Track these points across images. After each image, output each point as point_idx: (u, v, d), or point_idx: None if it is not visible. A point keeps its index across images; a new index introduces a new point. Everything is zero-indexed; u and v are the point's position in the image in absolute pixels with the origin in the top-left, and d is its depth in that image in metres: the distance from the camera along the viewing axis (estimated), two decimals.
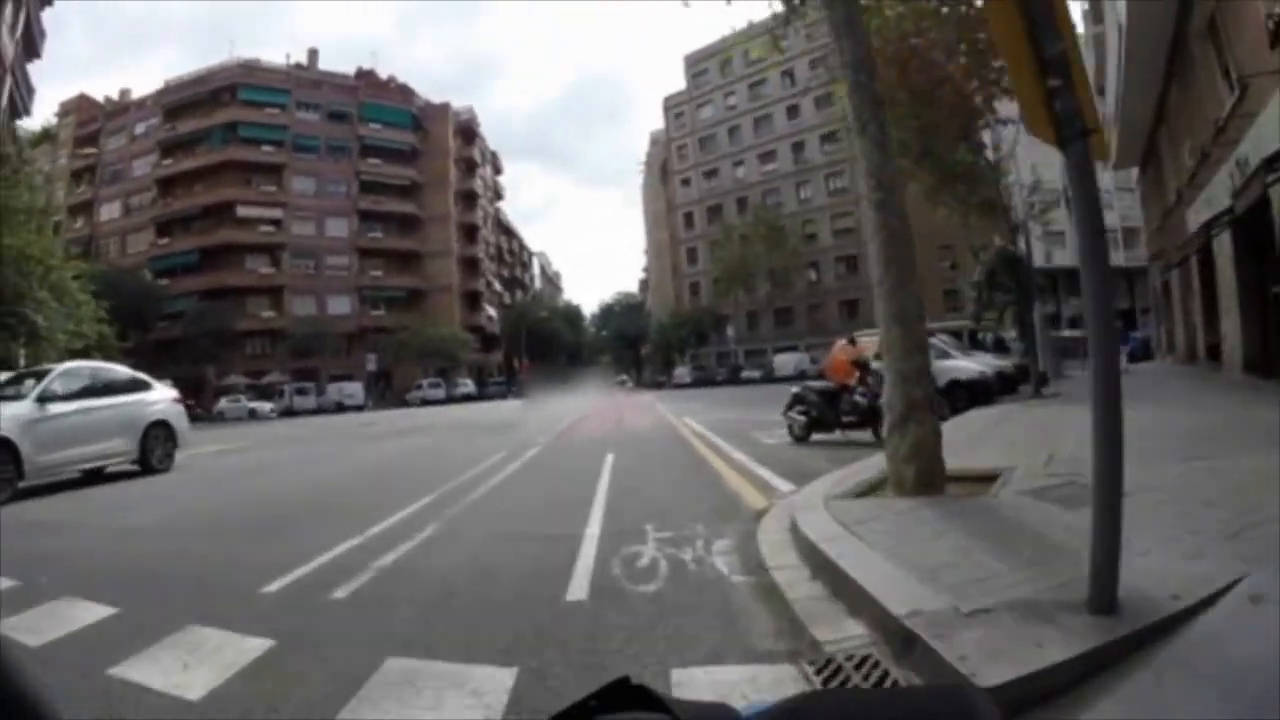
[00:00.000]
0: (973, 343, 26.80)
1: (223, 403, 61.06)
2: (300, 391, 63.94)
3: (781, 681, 3.33)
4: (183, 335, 66.59)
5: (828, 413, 13.51)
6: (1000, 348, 28.48)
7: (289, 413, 60.77)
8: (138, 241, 77.17)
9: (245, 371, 70.49)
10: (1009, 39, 3.63)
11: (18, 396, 13.00)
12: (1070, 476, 6.58)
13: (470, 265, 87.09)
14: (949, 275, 69.35)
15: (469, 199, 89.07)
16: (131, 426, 15.27)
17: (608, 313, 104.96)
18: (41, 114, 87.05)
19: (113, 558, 7.04)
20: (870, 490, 7.12)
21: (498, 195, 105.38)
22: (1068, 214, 37.53)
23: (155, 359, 67.64)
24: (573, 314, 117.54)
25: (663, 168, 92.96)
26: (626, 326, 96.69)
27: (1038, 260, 37.46)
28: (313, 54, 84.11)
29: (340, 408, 62.09)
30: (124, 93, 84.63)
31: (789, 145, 76.81)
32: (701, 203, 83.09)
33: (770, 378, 60.35)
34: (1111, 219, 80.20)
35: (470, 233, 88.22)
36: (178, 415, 17.16)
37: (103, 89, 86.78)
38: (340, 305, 76.29)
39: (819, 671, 3.41)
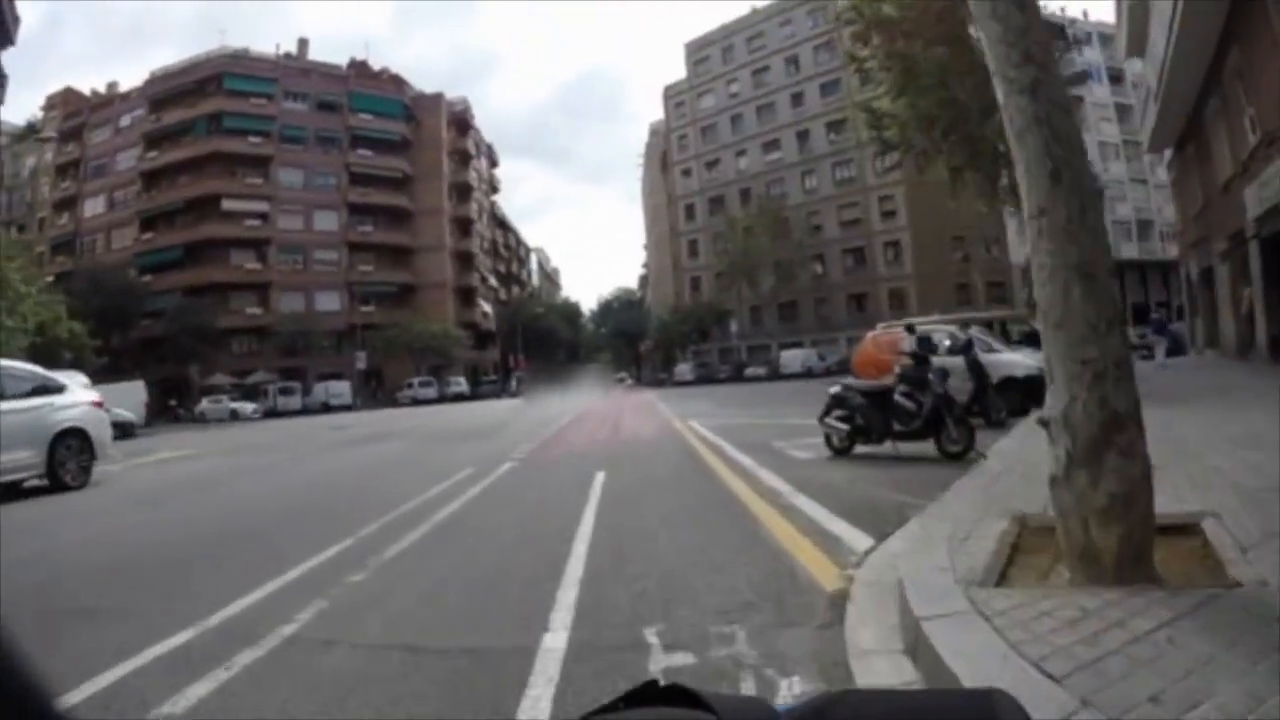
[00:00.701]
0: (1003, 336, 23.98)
1: (204, 403, 58.46)
2: (285, 391, 61.25)
3: None
4: (165, 333, 63.98)
5: (876, 419, 10.70)
6: (1033, 342, 25.63)
7: (273, 413, 58.17)
8: (122, 237, 74.92)
9: (231, 370, 67.80)
10: None
11: None
12: None
13: (464, 260, 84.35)
14: (961, 269, 66.67)
15: (463, 192, 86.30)
16: (36, 436, 12.93)
17: (606, 309, 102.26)
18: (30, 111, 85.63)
19: None
20: (1023, 563, 4.39)
21: (493, 189, 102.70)
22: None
23: (139, 358, 66.08)
24: (571, 311, 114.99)
25: (662, 159, 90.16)
26: (626, 323, 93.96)
27: None
28: (303, 43, 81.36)
29: (326, 408, 59.48)
30: (111, 86, 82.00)
31: (793, 134, 73.97)
32: (703, 194, 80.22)
33: (776, 375, 57.79)
34: (1124, 210, 77.81)
35: (464, 227, 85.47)
36: (96, 422, 14.62)
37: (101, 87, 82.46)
38: (329, 301, 73.59)
39: None
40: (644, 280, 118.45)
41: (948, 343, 15.92)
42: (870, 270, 68.74)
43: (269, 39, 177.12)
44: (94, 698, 3.58)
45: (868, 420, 10.69)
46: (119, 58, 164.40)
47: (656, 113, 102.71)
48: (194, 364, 65.19)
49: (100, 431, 14.63)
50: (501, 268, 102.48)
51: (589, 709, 0.58)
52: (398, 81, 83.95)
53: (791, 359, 58.96)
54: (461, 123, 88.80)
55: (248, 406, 57.22)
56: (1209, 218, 31.05)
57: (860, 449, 10.85)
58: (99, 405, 15.09)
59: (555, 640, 4.09)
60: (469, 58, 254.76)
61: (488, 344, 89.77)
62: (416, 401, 62.61)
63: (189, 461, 19.67)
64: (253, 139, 73.61)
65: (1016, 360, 16.01)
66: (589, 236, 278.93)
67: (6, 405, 12.33)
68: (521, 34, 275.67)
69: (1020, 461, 8.24)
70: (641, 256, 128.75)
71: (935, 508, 6.20)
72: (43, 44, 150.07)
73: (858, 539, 5.91)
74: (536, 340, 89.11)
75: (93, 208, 77.33)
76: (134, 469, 18.56)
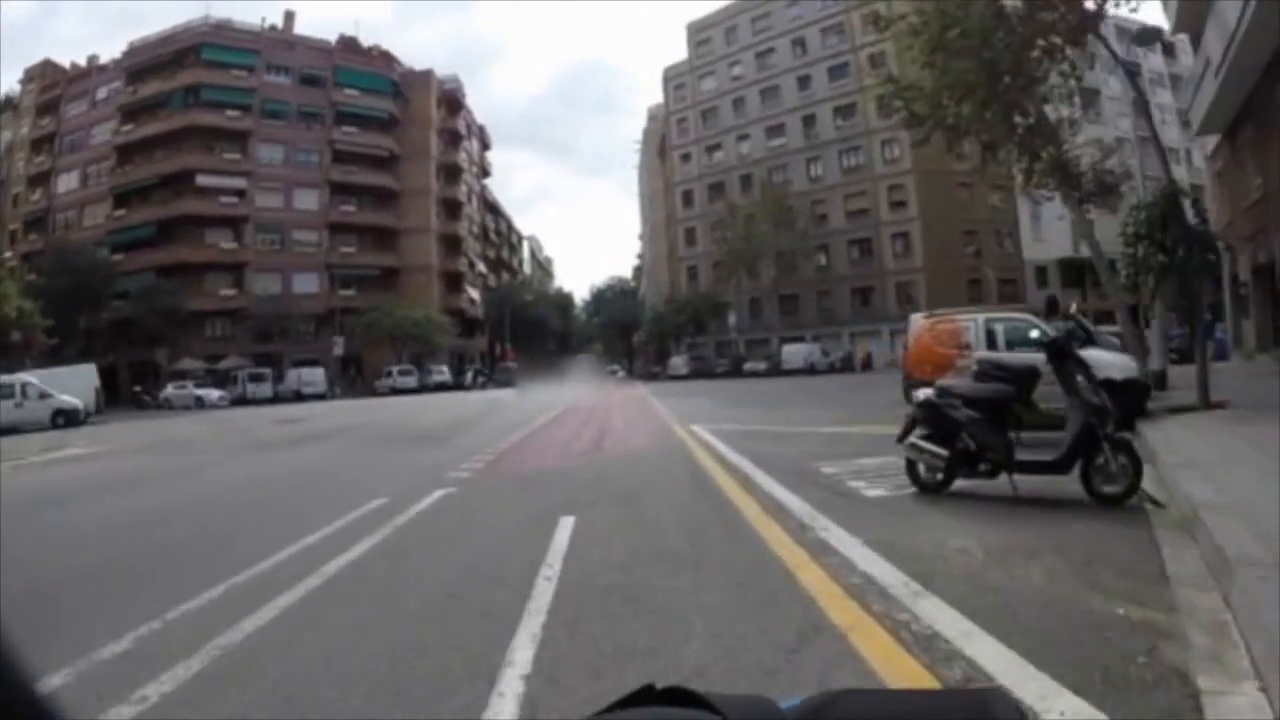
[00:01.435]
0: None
1: (169, 390, 55.00)
2: (255, 378, 57.63)
3: None
4: (131, 315, 60.69)
5: (996, 442, 7.15)
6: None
7: (242, 401, 54.74)
8: (95, 214, 71.75)
9: (204, 355, 64.49)
10: None
11: None
12: None
13: (452, 244, 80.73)
14: (972, 264, 63.43)
15: (452, 173, 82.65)
16: None
17: (599, 298, 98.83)
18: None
19: None
20: None
21: (484, 172, 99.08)
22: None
23: (112, 341, 62.75)
24: (563, 300, 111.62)
25: (661, 144, 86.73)
26: (619, 313, 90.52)
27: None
28: (289, 16, 77.43)
29: (299, 396, 56.00)
30: (92, 59, 78.81)
31: (799, 118, 70.49)
32: (702, 180, 76.67)
33: (777, 371, 54.45)
34: None
35: (453, 209, 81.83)
36: None
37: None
38: (307, 284, 70.02)
39: None
40: (639, 271, 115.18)
41: (1034, 334, 12.66)
42: (877, 263, 65.39)
43: (264, 20, 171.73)
44: None
45: (982, 442, 7.18)
46: (114, 34, 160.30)
47: (657, 94, 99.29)
48: (162, 348, 61.97)
49: None
50: (491, 254, 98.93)
51: None
52: (386, 58, 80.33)
53: (794, 354, 55.60)
54: (452, 101, 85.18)
55: (214, 394, 53.67)
56: (1272, 208, 27.86)
57: (957, 483, 7.52)
58: None
59: None
60: (468, 47, 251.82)
61: (475, 332, 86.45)
62: (395, 391, 59.11)
63: (88, 462, 16.44)
64: (231, 113, 70.09)
65: (1112, 360, 12.65)
66: (585, 229, 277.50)
67: None
68: (521, 23, 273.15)
69: (1241, 512, 4.95)
70: (637, 247, 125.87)
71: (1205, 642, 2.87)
72: (37, 21, 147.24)
73: None
74: (526, 329, 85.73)
75: (67, 183, 74.24)
76: (20, 470, 15.34)
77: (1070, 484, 6.86)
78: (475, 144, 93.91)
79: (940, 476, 7.49)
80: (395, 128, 76.91)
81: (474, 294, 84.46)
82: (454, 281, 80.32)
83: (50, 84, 77.31)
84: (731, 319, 66.01)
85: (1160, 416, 12.57)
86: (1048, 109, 29.51)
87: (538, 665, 3.78)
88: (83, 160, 73.67)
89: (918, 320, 19.50)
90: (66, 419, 33.91)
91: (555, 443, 14.97)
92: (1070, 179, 29.66)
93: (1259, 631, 3.34)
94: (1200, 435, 10.06)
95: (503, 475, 10.85)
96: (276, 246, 70.21)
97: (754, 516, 7.10)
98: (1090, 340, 12.11)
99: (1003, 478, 7.14)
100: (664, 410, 21.63)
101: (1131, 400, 12.01)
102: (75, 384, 37.75)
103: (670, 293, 76.15)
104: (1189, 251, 14.15)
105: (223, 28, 72.73)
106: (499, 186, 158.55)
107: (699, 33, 78.95)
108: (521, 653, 3.94)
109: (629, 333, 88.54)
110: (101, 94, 74.81)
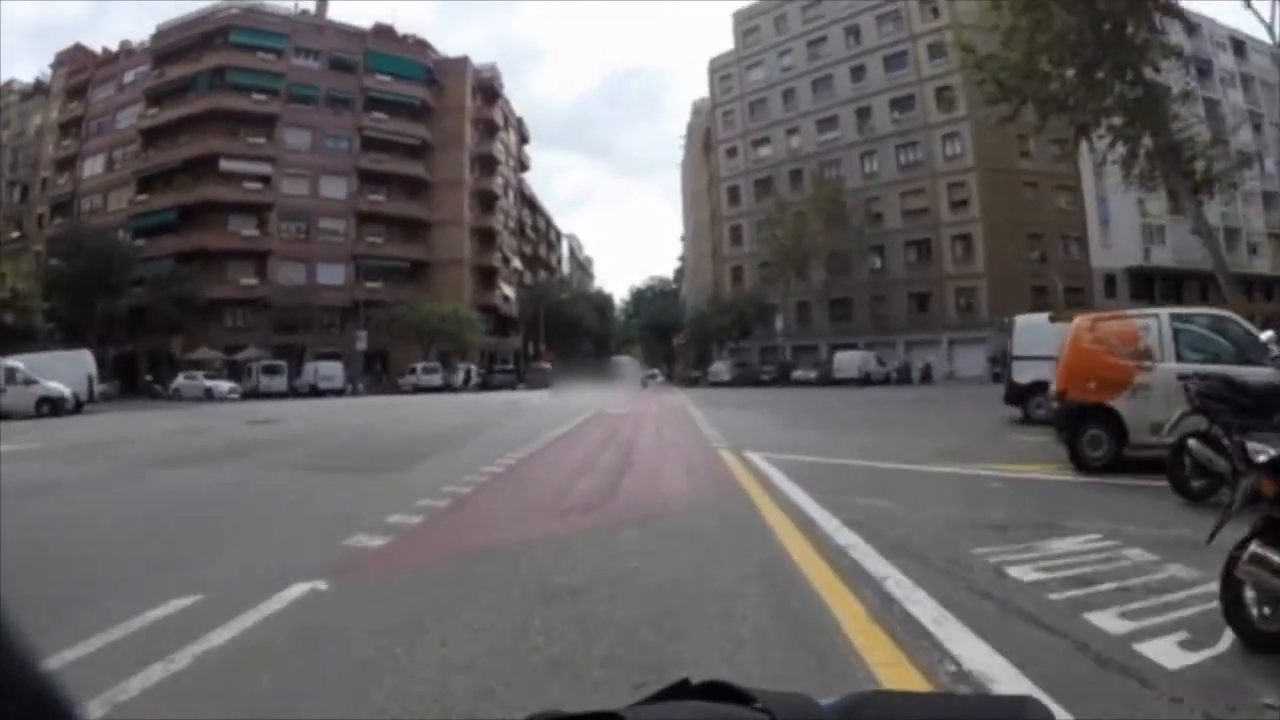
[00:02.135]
0: None
1: (180, 380, 52.01)
2: (269, 370, 54.29)
3: None
4: (147, 302, 58.14)
5: None
6: None
7: (255, 394, 51.60)
8: (119, 199, 69.80)
9: (223, 345, 61.49)
10: None
11: None
12: None
13: (485, 238, 77.29)
14: (1038, 270, 59.01)
15: (487, 164, 79.19)
16: None
17: (639, 298, 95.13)
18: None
19: None
20: None
21: (522, 166, 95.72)
22: None
23: (133, 328, 60.17)
24: (602, 301, 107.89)
25: (705, 138, 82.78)
26: (659, 315, 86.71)
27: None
28: (321, 1, 74.61)
29: (315, 391, 52.83)
30: (124, 44, 76.91)
31: (853, 111, 66.13)
32: (749, 175, 72.53)
33: (828, 379, 50.26)
34: (1212, 216, 69.43)
35: (487, 202, 78.39)
36: None
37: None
38: (332, 275, 66.97)
39: None
40: (680, 274, 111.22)
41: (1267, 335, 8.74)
42: (936, 266, 60.92)
43: (295, 5, 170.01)
44: None
45: None
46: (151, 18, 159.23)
47: (701, 96, 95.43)
48: (177, 336, 59.18)
49: None
50: (528, 250, 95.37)
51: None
52: (420, 44, 77.17)
53: (847, 363, 51.19)
54: (488, 90, 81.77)
55: (223, 386, 50.57)
56: None
57: None
58: None
59: None
60: (512, 48, 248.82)
61: (509, 330, 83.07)
62: (419, 389, 55.81)
63: None
64: (257, 96, 67.51)
65: None
66: (626, 232, 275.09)
67: None
68: (564, 25, 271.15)
69: None
70: (678, 250, 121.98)
71: None
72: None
73: None
74: (562, 329, 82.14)
75: (92, 168, 72.55)
76: None
77: None
78: (513, 136, 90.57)
79: None
80: (428, 116, 73.78)
81: (508, 291, 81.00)
82: (487, 277, 76.94)
83: (78, 68, 75.93)
84: (779, 323, 61.70)
85: None
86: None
87: None
88: (108, 144, 72.03)
89: (1053, 321, 15.83)
90: (52, 407, 31.70)
91: (553, 481, 10.39)
92: (1181, 165, 25.50)
93: None
94: None
95: (433, 554, 6.47)
96: (301, 235, 67.46)
97: None
98: None
99: None
100: (708, 426, 17.71)
101: None
102: (69, 371, 35.52)
103: (713, 294, 72.20)
104: None
105: (252, 11, 70.07)
106: (540, 187, 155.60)
107: (746, 21, 74.85)
108: None
109: (668, 335, 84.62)
110: (129, 78, 73.21)
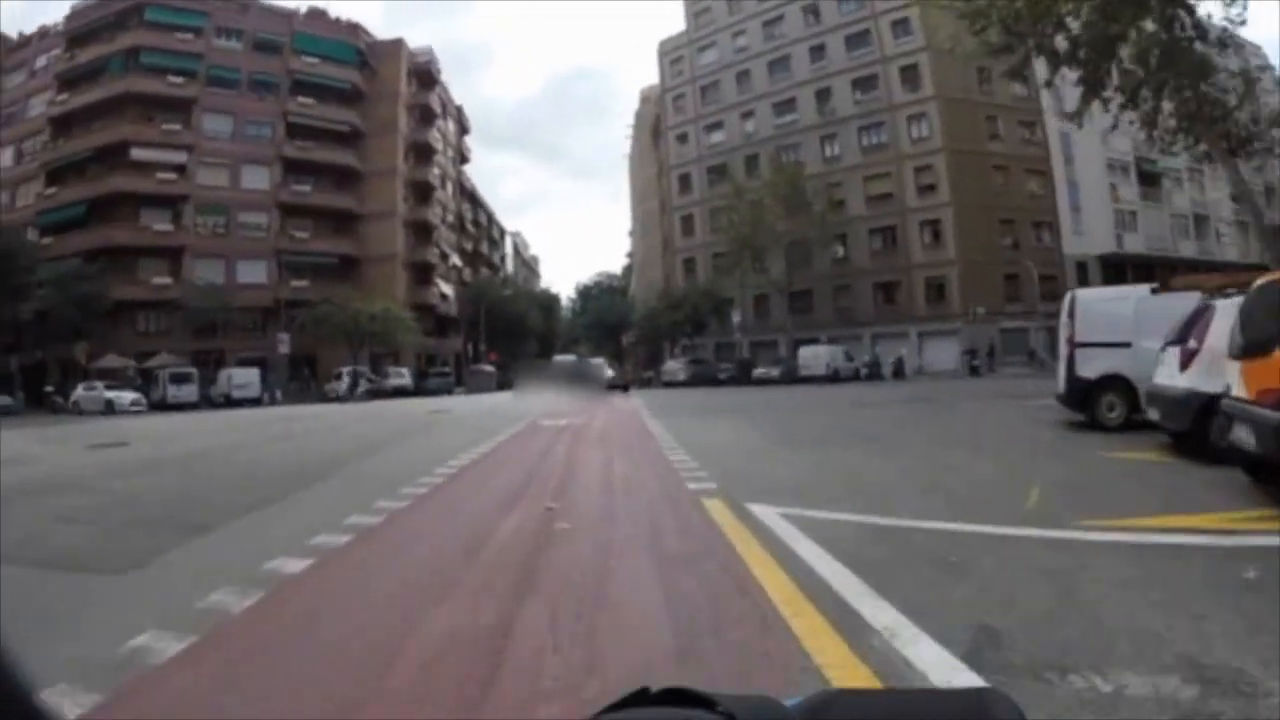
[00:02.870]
0: None
1: (79, 391, 46.90)
2: (178, 379, 48.86)
3: None
4: (46, 306, 52.40)
5: None
6: None
7: (163, 406, 46.46)
8: (27, 193, 63.87)
9: (136, 352, 56.09)
10: None
11: None
12: None
13: (421, 231, 72.24)
14: (1011, 257, 55.72)
15: (423, 153, 74.15)
16: None
17: (585, 295, 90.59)
18: None
19: None
20: None
21: (462, 157, 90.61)
22: None
23: (39, 335, 54.14)
24: (547, 300, 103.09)
25: (655, 125, 78.59)
26: (607, 312, 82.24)
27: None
28: None
29: (230, 401, 47.79)
30: (42, 28, 70.22)
31: (812, 92, 62.28)
32: (701, 162, 68.34)
33: (793, 377, 46.19)
34: (1181, 202, 66.83)
35: (423, 193, 73.30)
36: None
37: None
38: (254, 272, 61.75)
39: None
40: (628, 270, 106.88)
41: None
42: (903, 254, 57.21)
43: None
44: None
45: None
46: None
47: (650, 84, 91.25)
48: (80, 343, 53.55)
49: None
50: (469, 246, 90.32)
51: None
52: (353, 27, 71.90)
53: (813, 358, 46.92)
54: (425, 75, 76.68)
55: (126, 397, 45.40)
56: None
57: None
58: None
59: None
60: (457, 50, 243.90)
61: (448, 331, 78.08)
62: (342, 398, 51.01)
63: None
64: (173, 79, 61.81)
65: None
66: (575, 234, 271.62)
67: None
68: (509, 27, 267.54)
69: None
70: (626, 247, 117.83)
71: None
72: None
73: None
74: (505, 329, 77.37)
75: (2, 160, 65.92)
76: None
77: None
78: (451, 125, 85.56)
79: None
80: (360, 101, 68.73)
81: (447, 289, 76.00)
82: (423, 274, 71.97)
83: None
84: (735, 317, 57.54)
85: None
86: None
87: None
88: (18, 135, 65.84)
89: (1163, 293, 12.17)
90: None
91: (378, 622, 4.71)
92: (1216, 122, 21.80)
93: None
94: None
95: None
96: (220, 229, 62.26)
97: None
98: None
99: None
100: (675, 446, 13.08)
101: None
102: None
103: (664, 288, 67.95)
104: None
105: None
106: (487, 189, 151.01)
107: (698, 1, 70.64)
108: None
109: (617, 333, 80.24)
110: (40, 62, 67.01)
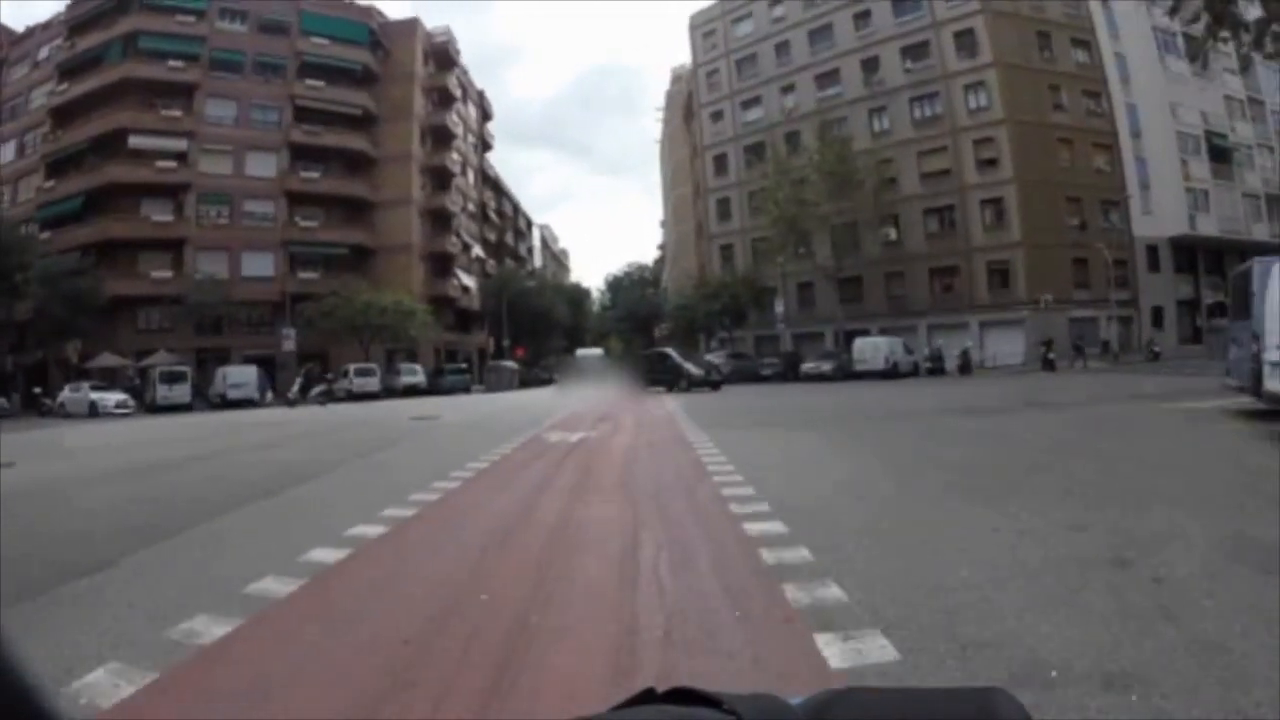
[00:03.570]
0: None
1: (65, 393, 43.24)
2: (170, 378, 44.74)
3: None
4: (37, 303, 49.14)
5: None
6: None
7: (155, 408, 42.61)
8: (29, 187, 60.91)
9: (136, 351, 52.46)
10: None
11: None
12: None
13: (440, 220, 68.02)
14: (1078, 239, 50.65)
15: (441, 137, 69.95)
16: None
17: (615, 287, 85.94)
18: None
19: None
20: None
21: (485, 144, 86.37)
22: None
23: (43, 334, 50.54)
24: (577, 294, 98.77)
25: (687, 105, 73.83)
26: (638, 304, 77.53)
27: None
28: None
29: (225, 402, 43.73)
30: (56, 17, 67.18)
31: (857, 62, 57.04)
32: (737, 141, 63.41)
33: (846, 373, 41.37)
34: (1253, 181, 61.04)
35: (441, 179, 69.07)
36: None
37: None
38: (260, 265, 57.85)
39: None
40: (660, 263, 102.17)
41: None
42: (962, 237, 51.91)
43: None
44: None
45: None
46: None
47: (681, 63, 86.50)
48: (72, 342, 49.88)
49: None
50: (492, 236, 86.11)
51: None
52: (365, 9, 67.57)
53: (870, 351, 41.65)
54: (443, 56, 72.47)
55: (110, 399, 41.60)
56: None
57: None
58: None
59: None
60: (486, 48, 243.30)
61: (471, 326, 74.06)
62: (352, 396, 46.88)
63: None
64: (174, 63, 58.00)
65: None
66: (605, 230, 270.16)
67: None
68: (538, 25, 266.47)
69: None
70: (658, 239, 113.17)
71: None
72: None
73: None
74: (531, 323, 73.08)
75: (4, 155, 63.46)
76: None
77: None
78: (472, 110, 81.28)
79: None
80: (373, 84, 64.56)
81: (468, 281, 71.74)
82: (442, 265, 67.77)
83: None
84: (778, 307, 52.45)
85: None
86: None
87: None
88: (21, 128, 63.06)
89: None
90: None
91: None
92: None
93: None
94: None
95: None
96: (223, 220, 58.39)
97: None
98: None
99: None
100: (739, 481, 8.77)
101: None
102: None
103: (699, 278, 63.15)
104: None
105: None
106: (517, 186, 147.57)
107: None
108: None
109: (649, 326, 75.46)
110: (43, 53, 63.82)
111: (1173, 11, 20.63)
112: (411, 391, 48.85)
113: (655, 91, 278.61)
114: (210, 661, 3.94)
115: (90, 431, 26.75)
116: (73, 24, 61.38)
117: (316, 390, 43.04)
